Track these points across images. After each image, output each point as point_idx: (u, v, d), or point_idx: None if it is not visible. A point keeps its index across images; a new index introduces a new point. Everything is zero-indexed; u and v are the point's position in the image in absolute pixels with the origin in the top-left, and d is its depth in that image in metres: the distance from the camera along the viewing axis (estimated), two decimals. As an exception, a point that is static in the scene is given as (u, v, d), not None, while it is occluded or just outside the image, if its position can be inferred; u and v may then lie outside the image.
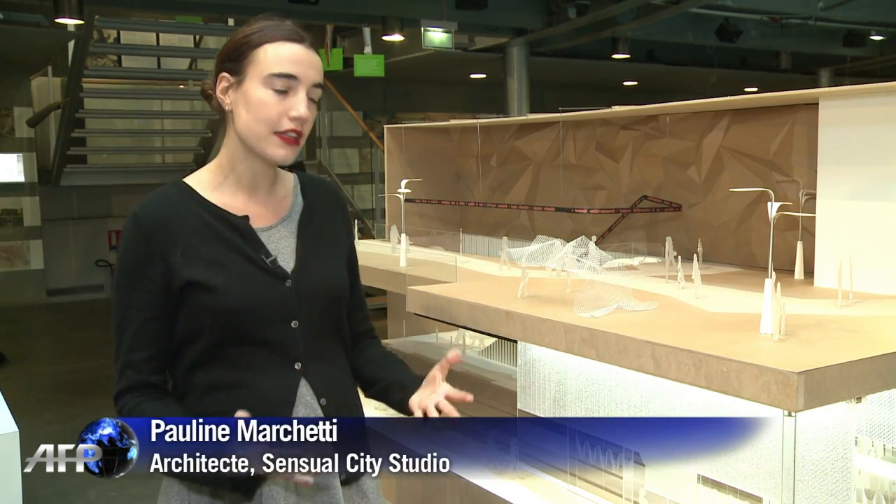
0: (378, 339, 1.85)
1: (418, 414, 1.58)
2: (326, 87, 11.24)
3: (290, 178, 1.72)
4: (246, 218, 1.60)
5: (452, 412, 1.56)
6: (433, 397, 1.58)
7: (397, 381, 1.68)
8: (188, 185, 1.62)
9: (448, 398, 1.57)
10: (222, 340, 1.53)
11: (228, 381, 1.55)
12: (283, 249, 1.62)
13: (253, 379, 1.55)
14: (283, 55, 1.54)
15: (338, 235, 1.72)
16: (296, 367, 1.57)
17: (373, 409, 2.65)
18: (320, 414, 1.58)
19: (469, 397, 1.58)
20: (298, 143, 1.57)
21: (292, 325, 1.57)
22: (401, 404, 1.66)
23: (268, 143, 1.55)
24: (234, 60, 1.55)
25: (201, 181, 1.62)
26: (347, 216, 1.79)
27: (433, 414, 1.56)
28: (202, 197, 1.60)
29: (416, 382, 1.65)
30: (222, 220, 1.58)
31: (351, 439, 1.66)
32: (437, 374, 1.61)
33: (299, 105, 1.54)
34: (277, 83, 1.53)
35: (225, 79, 1.57)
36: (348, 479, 1.65)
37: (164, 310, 1.54)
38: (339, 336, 1.68)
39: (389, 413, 1.70)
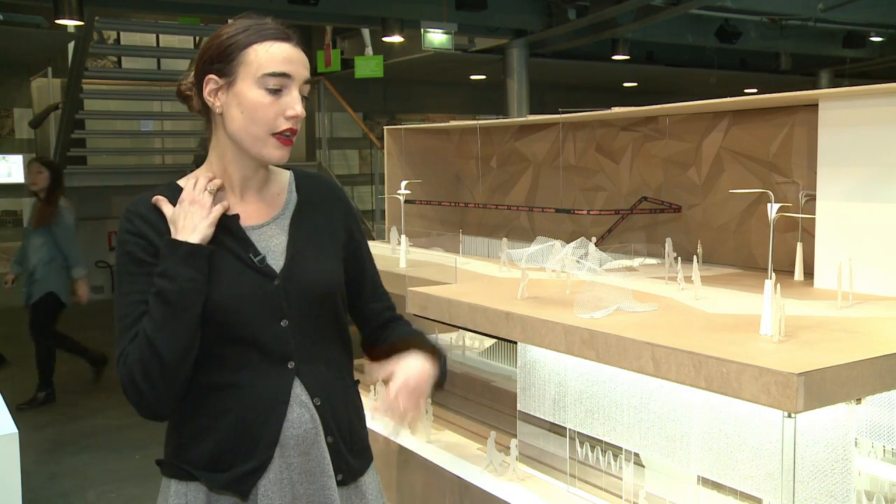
0: (403, 319, 1.82)
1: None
2: (327, 88, 11.28)
3: (286, 176, 1.72)
4: (235, 217, 1.60)
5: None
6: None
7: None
8: (179, 187, 1.63)
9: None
10: (214, 340, 1.53)
11: (224, 381, 1.55)
12: (274, 248, 1.61)
13: (247, 379, 1.55)
14: (275, 54, 1.54)
15: (334, 232, 1.70)
16: (289, 366, 1.57)
17: (375, 411, 2.65)
18: (315, 413, 1.58)
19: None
20: (293, 141, 1.58)
21: (282, 324, 1.57)
22: None
23: (265, 145, 1.56)
24: (222, 62, 1.55)
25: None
26: (349, 210, 1.76)
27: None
28: None
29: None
30: None
31: (347, 439, 1.66)
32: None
33: (295, 104, 1.55)
34: (271, 82, 1.53)
35: (213, 81, 1.56)
36: (345, 480, 1.64)
37: None
38: (334, 335, 1.67)
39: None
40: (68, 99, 9.11)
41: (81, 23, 7.58)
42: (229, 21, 1.60)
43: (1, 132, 10.67)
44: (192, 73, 1.62)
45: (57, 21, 7.42)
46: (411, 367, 1.59)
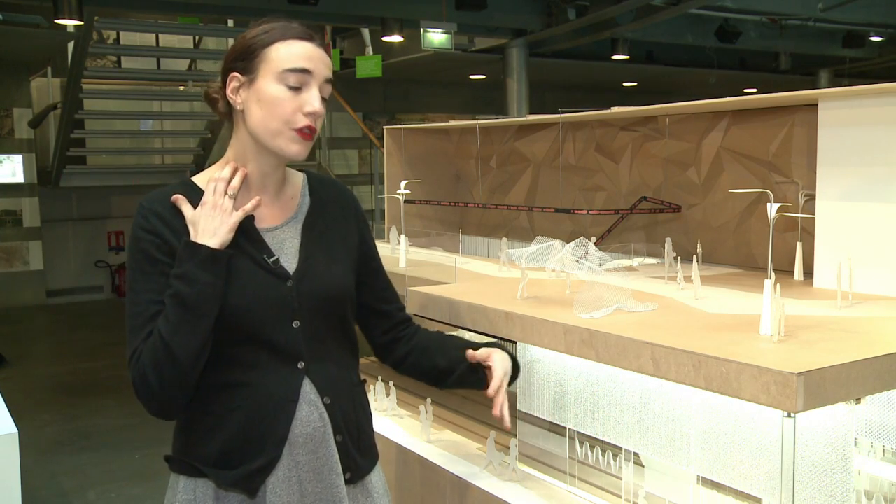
0: (417, 326, 1.88)
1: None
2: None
3: (300, 178, 1.73)
4: (251, 218, 1.61)
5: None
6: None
7: (461, 373, 1.84)
8: (195, 184, 1.63)
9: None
10: (226, 340, 1.54)
11: (234, 380, 1.56)
12: (288, 250, 1.63)
13: (258, 378, 1.56)
14: (295, 52, 1.56)
15: (345, 236, 1.72)
16: (298, 366, 1.59)
17: (375, 411, 2.65)
18: (324, 412, 1.59)
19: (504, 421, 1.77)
20: (312, 138, 1.59)
21: (293, 325, 1.58)
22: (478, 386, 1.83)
23: (283, 139, 1.56)
24: (245, 60, 1.57)
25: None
26: (360, 215, 1.78)
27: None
28: None
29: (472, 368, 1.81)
30: None
31: (355, 438, 1.67)
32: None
33: (313, 100, 1.56)
34: (291, 79, 1.54)
35: (235, 78, 1.58)
36: (353, 478, 1.65)
37: None
38: (342, 336, 1.69)
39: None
40: (68, 99, 9.11)
41: (81, 22, 7.58)
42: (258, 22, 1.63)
43: (0, 132, 10.66)
44: (220, 77, 1.64)
45: (56, 21, 7.42)
46: (505, 363, 1.79)
